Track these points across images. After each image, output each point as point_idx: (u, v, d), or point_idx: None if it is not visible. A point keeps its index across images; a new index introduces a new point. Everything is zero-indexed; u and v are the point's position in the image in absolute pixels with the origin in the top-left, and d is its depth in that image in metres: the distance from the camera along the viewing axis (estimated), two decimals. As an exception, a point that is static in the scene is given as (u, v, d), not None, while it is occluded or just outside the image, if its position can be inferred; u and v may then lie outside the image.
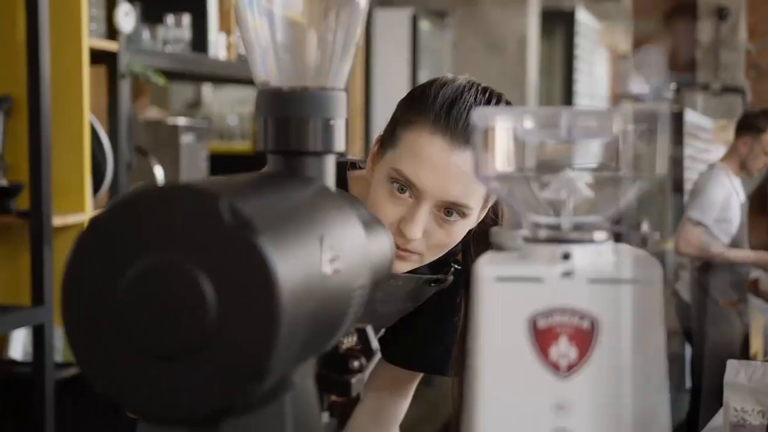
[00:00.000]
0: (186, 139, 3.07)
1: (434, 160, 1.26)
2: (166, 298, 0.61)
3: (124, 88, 2.70)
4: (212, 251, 0.61)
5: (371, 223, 0.86)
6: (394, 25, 5.28)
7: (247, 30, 0.82)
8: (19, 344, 2.64)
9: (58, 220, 2.41)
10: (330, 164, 0.81)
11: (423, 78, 6.30)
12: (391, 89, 5.28)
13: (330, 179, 0.81)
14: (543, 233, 0.70)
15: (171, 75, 3.21)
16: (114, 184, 2.66)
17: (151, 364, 0.62)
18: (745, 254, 4.38)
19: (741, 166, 4.33)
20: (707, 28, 9.17)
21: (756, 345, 5.89)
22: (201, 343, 0.61)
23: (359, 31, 0.84)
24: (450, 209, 1.28)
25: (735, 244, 4.33)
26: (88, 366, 0.63)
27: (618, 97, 9.13)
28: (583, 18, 7.47)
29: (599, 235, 0.70)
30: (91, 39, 2.55)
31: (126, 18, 2.65)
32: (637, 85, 5.54)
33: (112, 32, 2.67)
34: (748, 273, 4.45)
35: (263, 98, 0.80)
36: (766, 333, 5.43)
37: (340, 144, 0.81)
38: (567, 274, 0.67)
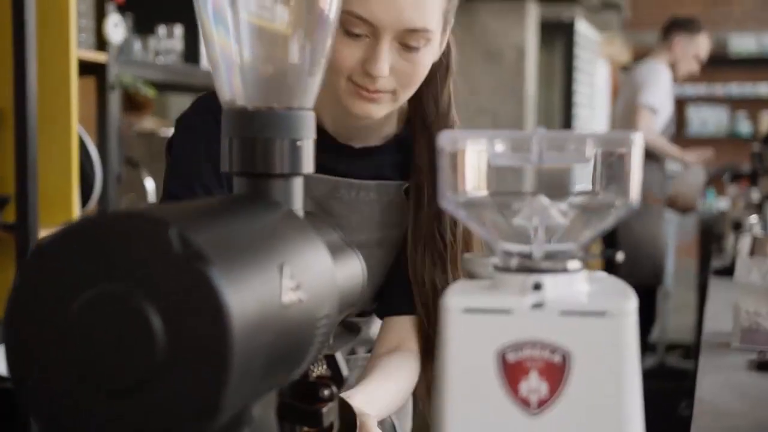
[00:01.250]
0: (178, 150, 3.03)
1: None
2: (113, 330, 0.58)
3: (114, 99, 2.68)
4: (161, 282, 0.58)
5: (340, 247, 0.83)
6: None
7: (213, 47, 0.79)
8: (4, 359, 2.60)
9: (45, 233, 2.38)
10: (298, 187, 0.78)
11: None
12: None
13: (297, 202, 0.78)
14: (514, 262, 0.67)
15: (162, 86, 3.19)
16: (103, 196, 2.63)
17: (97, 399, 0.59)
18: (687, 155, 4.56)
19: (671, 66, 4.41)
20: None
21: None
22: (149, 377, 0.58)
23: (328, 46, 0.81)
24: (410, 39, 1.23)
25: (663, 134, 4.48)
26: (31, 400, 0.60)
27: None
28: (583, 29, 7.45)
29: (573, 264, 0.67)
30: (80, 50, 2.52)
31: (115, 29, 2.63)
32: None
33: (101, 43, 2.64)
34: (670, 178, 4.58)
35: (228, 118, 0.77)
36: None
37: (308, 165, 0.78)
38: (537, 305, 0.64)
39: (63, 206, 2.44)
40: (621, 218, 0.67)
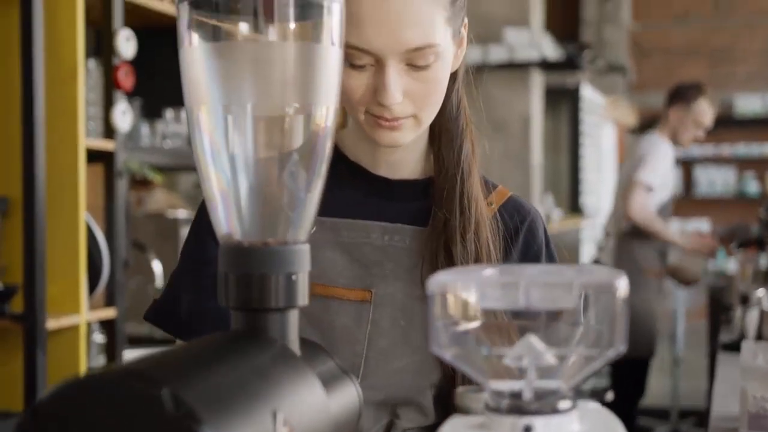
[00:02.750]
0: (186, 231, 3.06)
1: (371, 15, 1.12)
2: (107, 490, 0.59)
3: (121, 186, 2.71)
4: (154, 441, 0.59)
5: (335, 376, 0.83)
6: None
7: (210, 183, 0.80)
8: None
9: (52, 323, 2.38)
10: (293, 320, 0.79)
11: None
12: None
13: (293, 335, 0.79)
14: (504, 403, 0.68)
15: (171, 168, 3.22)
16: (111, 282, 2.65)
17: None
18: (684, 239, 4.46)
19: (672, 136, 4.41)
20: (591, 4, 9.27)
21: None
22: None
23: (321, 181, 0.83)
24: (417, 58, 1.15)
25: (662, 211, 4.40)
26: None
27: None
28: (588, 94, 7.51)
29: (563, 404, 0.68)
30: (88, 139, 2.55)
31: (123, 117, 2.66)
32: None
33: (109, 131, 2.68)
34: (669, 247, 4.51)
35: (224, 253, 0.79)
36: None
37: (303, 298, 0.80)
38: (527, 450, 0.65)
39: (70, 295, 2.45)
40: (610, 359, 0.68)
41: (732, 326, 3.38)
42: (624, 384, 4.29)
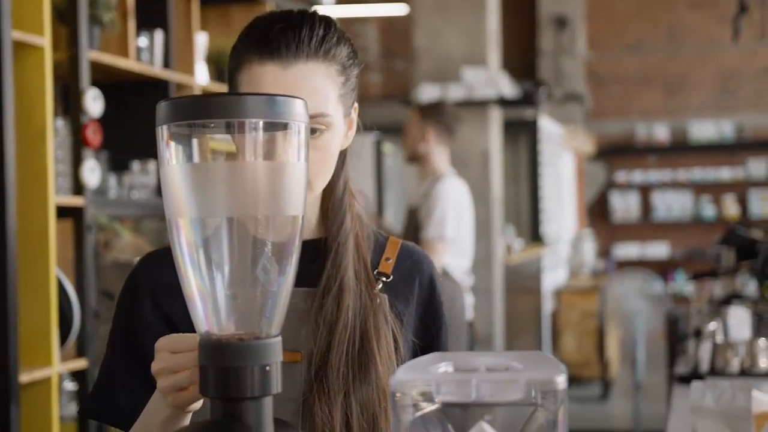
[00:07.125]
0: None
1: (270, 86, 1.21)
2: None
3: (90, 239, 2.77)
4: None
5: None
6: (358, 150, 5.37)
7: (189, 284, 0.89)
8: None
9: (25, 377, 2.44)
10: (268, 406, 0.88)
11: (389, 200, 6.44)
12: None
13: (267, 420, 0.87)
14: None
15: (138, 217, 3.29)
16: (81, 333, 2.71)
17: None
18: None
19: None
20: (547, 36, 9.49)
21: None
22: None
23: (291, 278, 0.91)
24: (311, 124, 1.19)
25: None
26: None
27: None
28: (546, 125, 7.65)
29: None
30: (57, 196, 2.61)
31: (92, 173, 2.73)
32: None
33: (78, 186, 2.74)
34: None
35: (204, 348, 0.87)
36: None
37: (277, 386, 0.88)
38: None
39: (42, 348, 2.51)
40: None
41: (687, 357, 3.48)
42: None
